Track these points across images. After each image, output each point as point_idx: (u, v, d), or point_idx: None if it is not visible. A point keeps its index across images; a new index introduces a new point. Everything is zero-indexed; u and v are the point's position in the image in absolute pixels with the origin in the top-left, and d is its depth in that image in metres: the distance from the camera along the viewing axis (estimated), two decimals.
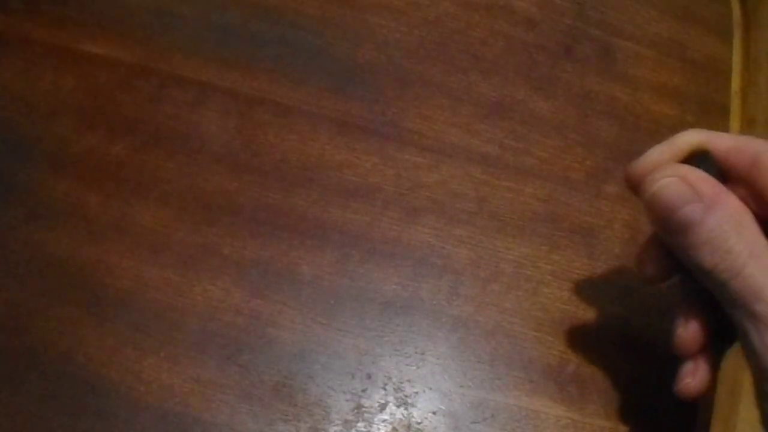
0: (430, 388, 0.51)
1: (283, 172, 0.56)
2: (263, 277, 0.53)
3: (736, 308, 0.39)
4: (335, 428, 0.49)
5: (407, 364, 0.52)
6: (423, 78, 0.60)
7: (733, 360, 0.48)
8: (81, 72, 0.58)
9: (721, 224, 0.39)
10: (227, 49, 0.60)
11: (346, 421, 0.49)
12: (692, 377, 0.44)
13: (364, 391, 0.51)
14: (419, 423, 0.50)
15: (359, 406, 0.50)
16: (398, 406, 0.50)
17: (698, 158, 0.42)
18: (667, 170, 0.41)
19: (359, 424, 0.49)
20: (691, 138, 0.43)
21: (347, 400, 0.50)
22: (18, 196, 0.54)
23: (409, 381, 0.51)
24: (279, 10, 0.61)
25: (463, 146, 0.58)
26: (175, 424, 0.48)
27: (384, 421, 0.50)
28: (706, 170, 0.41)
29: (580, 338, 0.53)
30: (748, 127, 0.63)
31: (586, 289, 0.55)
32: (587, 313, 0.54)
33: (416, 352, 0.52)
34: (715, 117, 0.63)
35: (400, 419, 0.50)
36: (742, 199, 0.41)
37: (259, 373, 0.50)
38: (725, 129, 0.63)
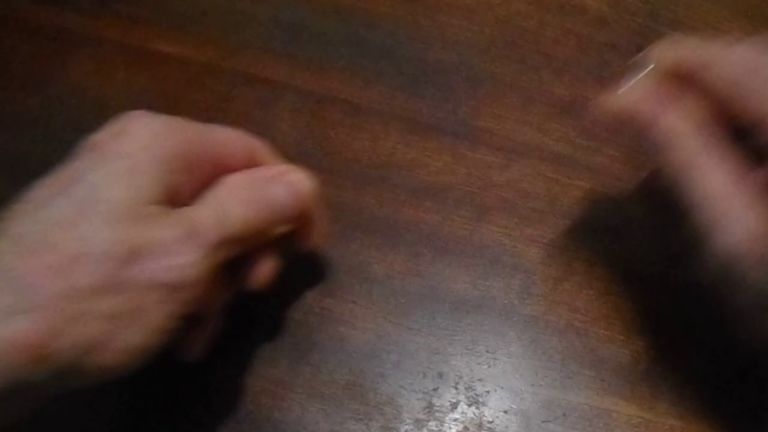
0: (502, 387, 0.51)
1: (355, 171, 0.56)
2: (334, 275, 0.53)
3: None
4: (406, 427, 0.49)
5: (478, 363, 0.51)
6: (494, 77, 0.60)
7: None
8: (153, 71, 0.59)
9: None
10: (298, 48, 0.60)
11: (417, 420, 0.49)
12: None
13: (435, 389, 0.50)
14: (491, 422, 0.50)
15: (430, 405, 0.50)
16: (469, 405, 0.50)
17: None
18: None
19: (430, 423, 0.49)
20: (666, 60, 0.43)
21: (418, 399, 0.50)
22: None
23: (480, 380, 0.51)
24: (350, 9, 0.61)
25: (534, 145, 0.58)
26: (247, 422, 0.49)
27: (455, 420, 0.50)
28: None
29: (651, 337, 0.53)
30: None
31: (657, 289, 0.54)
32: (658, 313, 0.54)
33: (487, 351, 0.52)
34: None
35: (471, 418, 0.50)
36: None
37: (330, 372, 0.50)
38: None
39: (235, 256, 0.41)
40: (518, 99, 0.60)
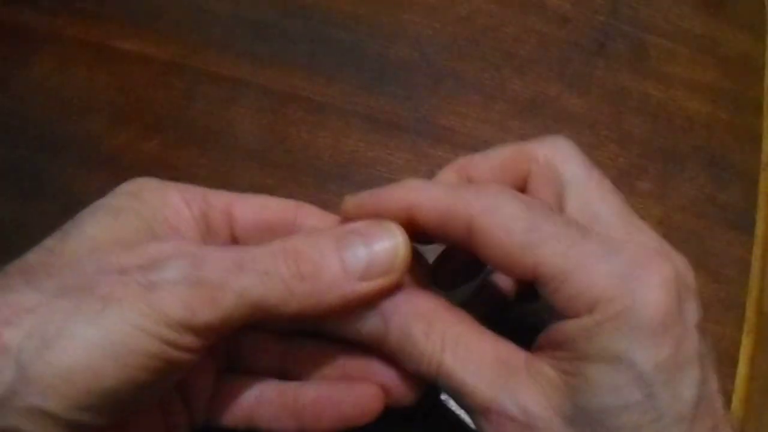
0: None
1: (317, 169, 0.56)
2: None
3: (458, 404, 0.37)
4: None
5: None
6: (456, 75, 0.60)
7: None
8: (114, 69, 0.59)
9: (405, 329, 0.36)
10: (260, 46, 0.60)
11: None
12: None
13: None
14: None
15: None
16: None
17: None
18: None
19: None
20: (399, 201, 0.37)
21: None
22: (51, 192, 0.54)
23: None
24: (312, 7, 0.61)
25: (495, 143, 0.57)
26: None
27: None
28: None
29: None
30: None
31: None
32: None
33: None
34: (748, 113, 0.63)
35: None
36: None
37: None
38: (758, 125, 0.62)
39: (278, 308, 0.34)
40: (480, 97, 0.60)
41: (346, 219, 0.39)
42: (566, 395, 0.34)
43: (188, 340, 0.32)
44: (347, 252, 0.35)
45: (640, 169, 0.59)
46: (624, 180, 0.58)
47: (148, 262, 0.33)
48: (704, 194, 0.58)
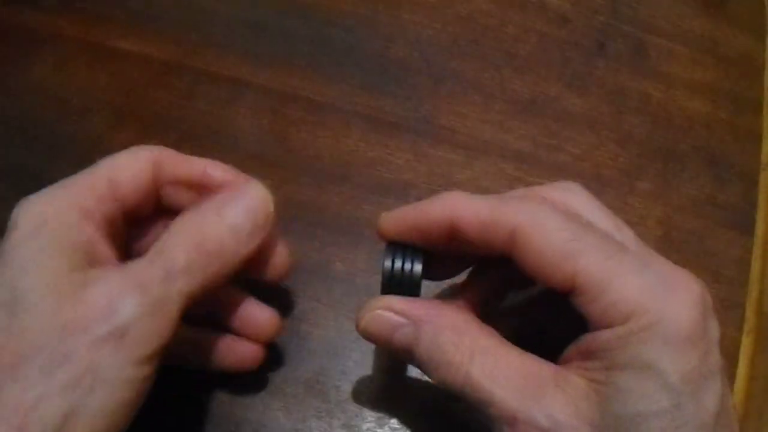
0: None
1: (317, 169, 0.56)
2: (296, 274, 0.53)
3: (479, 413, 0.38)
4: (368, 425, 0.49)
5: None
6: (456, 75, 0.60)
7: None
8: (114, 69, 0.59)
9: (436, 339, 0.38)
10: (260, 46, 0.60)
11: (378, 418, 0.49)
12: None
13: None
14: None
15: None
16: None
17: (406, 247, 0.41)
18: (371, 304, 0.40)
19: (392, 421, 0.49)
20: (442, 213, 0.39)
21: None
22: None
23: None
24: (312, 7, 0.61)
25: (495, 143, 0.58)
26: (208, 420, 0.48)
27: None
28: (413, 257, 0.41)
29: None
30: None
31: None
32: None
33: None
34: (747, 113, 0.63)
35: None
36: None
37: (293, 370, 0.50)
38: (758, 125, 0.62)
39: (204, 291, 0.39)
40: (480, 97, 0.60)
41: (384, 237, 0.41)
42: (595, 404, 0.35)
43: (157, 361, 0.37)
44: (230, 219, 0.40)
45: (640, 169, 0.59)
46: (624, 180, 0.58)
47: (103, 312, 0.35)
48: (704, 194, 0.58)
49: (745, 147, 0.61)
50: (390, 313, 0.40)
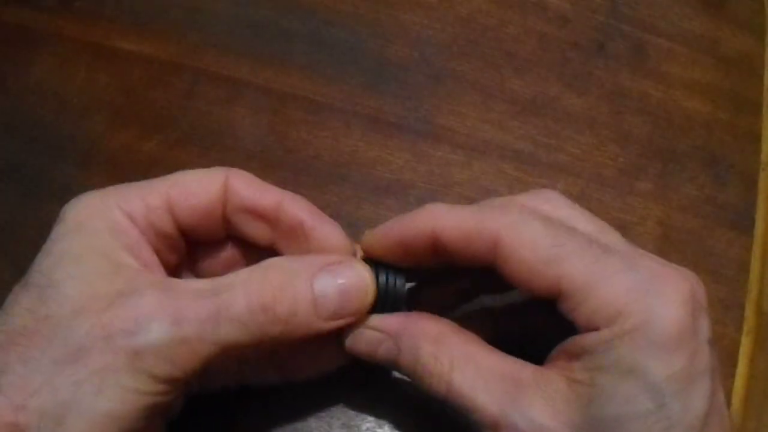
0: None
1: (316, 169, 0.56)
2: None
3: (466, 419, 0.38)
4: (368, 425, 0.49)
5: None
6: (456, 75, 0.60)
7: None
8: (114, 69, 0.59)
9: (415, 351, 0.39)
10: (260, 46, 0.60)
11: (378, 418, 0.49)
12: None
13: None
14: None
15: None
16: None
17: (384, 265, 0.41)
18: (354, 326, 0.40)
19: (391, 421, 0.49)
20: (423, 225, 0.39)
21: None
22: (51, 192, 0.54)
23: None
24: (311, 6, 0.61)
25: (495, 143, 0.58)
26: (209, 422, 0.48)
27: None
28: (397, 274, 0.41)
29: None
30: None
31: None
32: None
33: None
34: (747, 114, 0.63)
35: None
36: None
37: None
38: (758, 125, 0.62)
39: (254, 348, 0.38)
40: (479, 97, 0.60)
41: (368, 253, 0.42)
42: (577, 406, 0.35)
43: (173, 386, 0.35)
44: (320, 292, 0.38)
45: (640, 168, 0.59)
46: (623, 180, 0.58)
47: (130, 324, 0.34)
48: (704, 194, 0.58)
49: (744, 147, 0.61)
50: (369, 330, 0.40)
